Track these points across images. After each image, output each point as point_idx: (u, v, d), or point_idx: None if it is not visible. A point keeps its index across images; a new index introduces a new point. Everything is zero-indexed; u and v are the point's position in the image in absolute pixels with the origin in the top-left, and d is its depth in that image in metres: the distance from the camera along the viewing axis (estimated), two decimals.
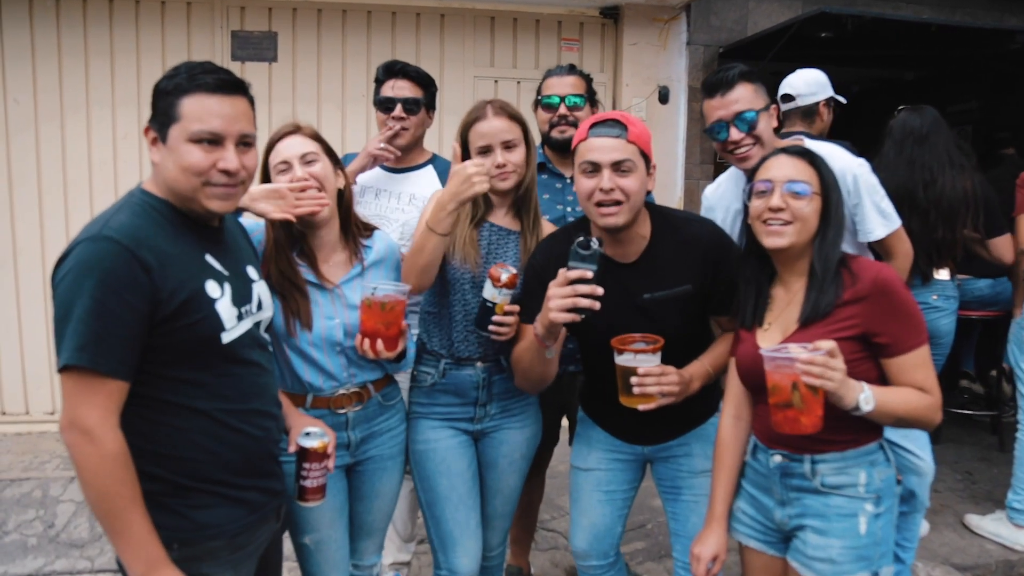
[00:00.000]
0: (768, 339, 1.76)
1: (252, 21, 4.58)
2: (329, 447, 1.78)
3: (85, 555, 3.22)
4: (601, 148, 1.85)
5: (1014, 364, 3.61)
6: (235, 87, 1.51)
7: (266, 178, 2.01)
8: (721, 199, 2.50)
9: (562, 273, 1.74)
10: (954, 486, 4.04)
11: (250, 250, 1.78)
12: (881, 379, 1.68)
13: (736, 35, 5.01)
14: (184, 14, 4.50)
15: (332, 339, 1.96)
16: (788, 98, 3.27)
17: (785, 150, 1.78)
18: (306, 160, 1.97)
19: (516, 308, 1.98)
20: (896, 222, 2.33)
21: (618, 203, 1.85)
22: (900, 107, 3.51)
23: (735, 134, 2.17)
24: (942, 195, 3.24)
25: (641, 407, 1.83)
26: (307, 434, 1.77)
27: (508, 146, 2.07)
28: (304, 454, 1.76)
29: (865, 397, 1.57)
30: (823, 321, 1.67)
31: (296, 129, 2.02)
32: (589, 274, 1.70)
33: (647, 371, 1.79)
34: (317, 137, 2.03)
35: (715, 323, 2.12)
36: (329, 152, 2.04)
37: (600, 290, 1.70)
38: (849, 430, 1.67)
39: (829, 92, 3.27)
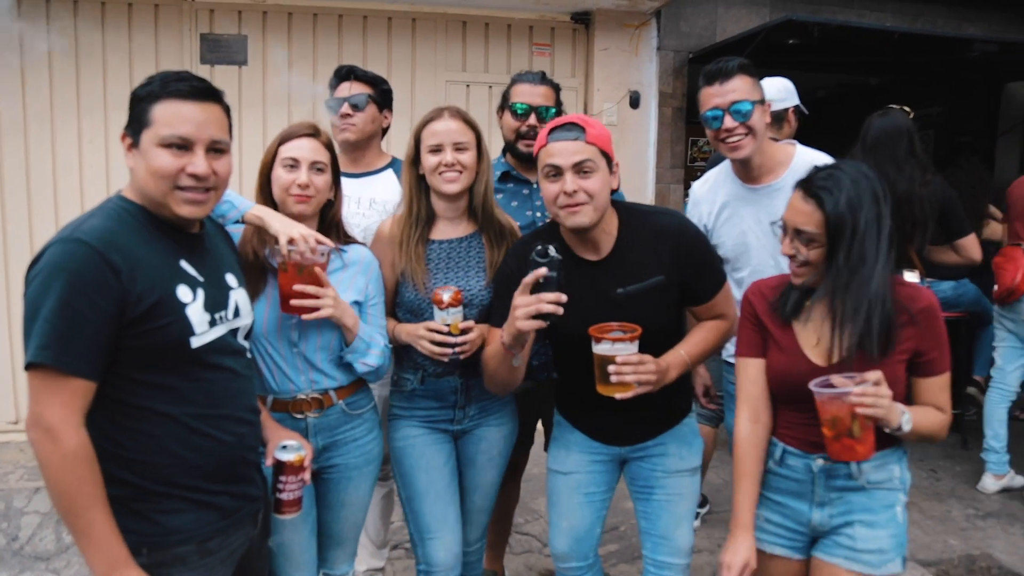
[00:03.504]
0: (821, 357, 1.79)
1: (221, 24, 4.54)
2: (306, 460, 1.79)
3: (51, 567, 3.16)
4: (561, 152, 1.87)
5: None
6: (208, 94, 1.53)
7: (268, 169, 2.04)
8: (708, 193, 2.53)
9: (523, 282, 1.76)
10: (920, 483, 4.12)
11: (232, 258, 1.78)
12: (907, 397, 1.79)
13: (705, 41, 5.07)
14: (151, 17, 4.44)
15: (288, 337, 1.97)
16: None
17: (802, 185, 1.77)
18: (315, 167, 2.01)
19: (471, 324, 2.04)
20: None
21: (582, 204, 1.87)
22: (890, 107, 3.56)
23: (729, 122, 2.23)
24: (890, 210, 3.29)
25: (618, 396, 1.83)
26: (284, 447, 1.78)
27: (459, 148, 2.10)
28: (280, 467, 1.77)
29: (906, 419, 1.69)
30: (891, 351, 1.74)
31: (315, 132, 2.05)
32: (549, 275, 1.73)
33: (625, 359, 1.80)
34: (330, 147, 2.07)
35: (692, 314, 2.13)
36: (334, 163, 2.09)
37: (564, 297, 1.71)
38: (884, 433, 1.74)
39: (796, 100, 3.34)
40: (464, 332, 2.02)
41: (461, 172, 2.10)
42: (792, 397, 1.83)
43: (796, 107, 3.37)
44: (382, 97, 2.71)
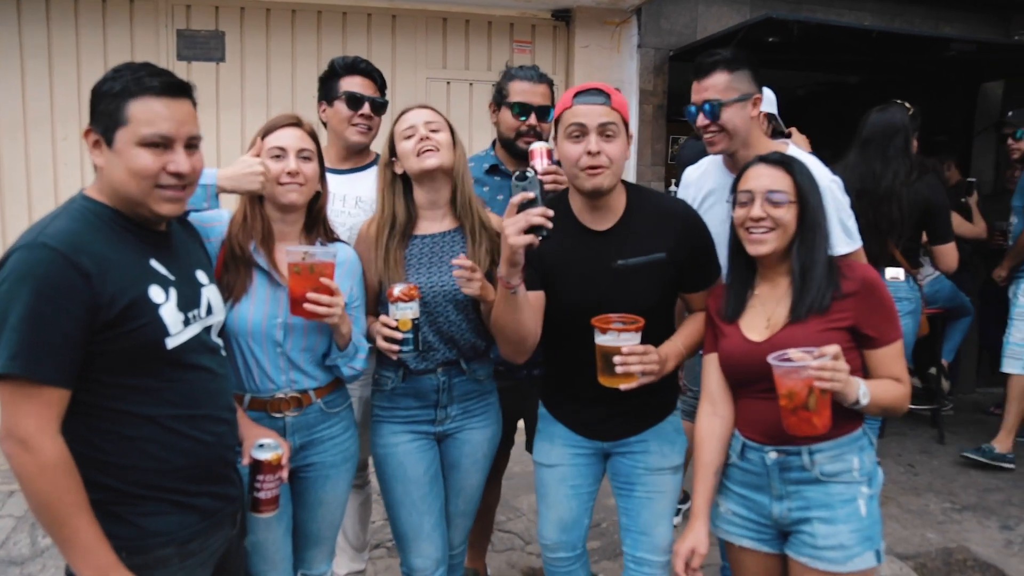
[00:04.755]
0: (758, 334, 1.84)
1: (198, 20, 4.48)
2: (283, 459, 1.78)
3: (25, 572, 3.11)
4: (588, 113, 1.92)
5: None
6: (181, 89, 1.51)
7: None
8: (699, 179, 2.55)
9: (510, 203, 1.79)
10: (897, 478, 4.17)
11: (201, 254, 1.76)
12: (863, 368, 1.82)
13: (686, 39, 5.08)
14: (127, 12, 4.37)
15: (272, 337, 1.94)
16: None
17: (764, 159, 1.88)
18: (302, 155, 1.99)
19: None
20: (858, 242, 2.40)
21: (604, 167, 1.91)
22: (891, 102, 3.55)
23: (701, 120, 2.26)
24: (869, 206, 3.27)
25: (623, 387, 1.84)
26: (260, 446, 1.77)
27: (432, 127, 2.12)
28: (257, 466, 1.76)
29: (863, 392, 1.70)
30: (822, 316, 1.78)
31: (298, 122, 2.04)
32: (532, 196, 1.75)
33: (631, 350, 1.82)
34: (314, 136, 2.06)
35: (686, 303, 2.16)
36: (319, 154, 2.06)
37: (550, 212, 1.75)
38: (840, 418, 1.74)
39: (774, 109, 3.31)
40: (416, 329, 1.98)
41: (437, 149, 2.10)
42: (738, 380, 1.89)
43: (771, 116, 3.33)
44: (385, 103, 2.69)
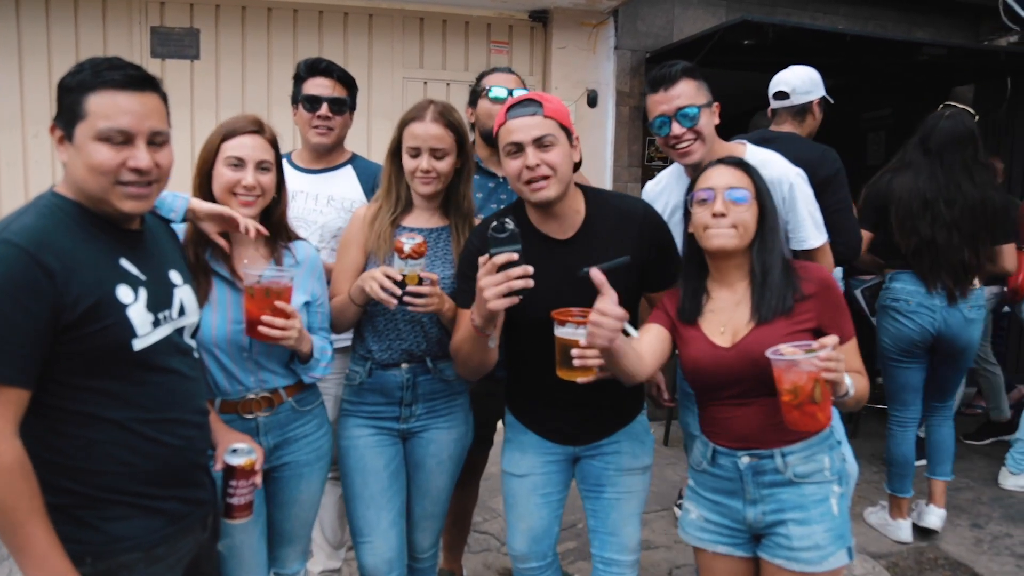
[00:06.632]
0: (721, 339, 1.84)
1: (172, 17, 4.43)
2: (256, 464, 1.76)
3: None
4: (521, 128, 1.89)
5: None
6: (144, 83, 1.46)
7: (209, 166, 1.95)
8: (661, 194, 2.54)
9: (486, 261, 1.74)
10: (871, 478, 4.21)
11: (176, 254, 1.73)
12: None
13: (663, 41, 5.11)
14: (99, 9, 4.31)
15: (237, 343, 1.92)
16: (782, 95, 3.17)
17: (722, 161, 1.89)
18: (261, 167, 1.94)
19: (435, 277, 1.98)
20: (826, 235, 2.39)
21: (546, 177, 1.89)
22: (944, 104, 3.46)
23: (676, 129, 2.22)
24: (962, 216, 3.18)
25: (580, 380, 1.81)
26: (233, 451, 1.74)
27: (436, 154, 2.10)
28: (231, 471, 1.73)
29: (850, 383, 1.71)
30: (787, 318, 1.79)
31: (259, 128, 1.97)
32: (515, 256, 1.71)
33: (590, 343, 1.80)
34: (274, 143, 2.01)
35: (649, 302, 2.15)
36: (278, 161, 2.01)
37: (531, 269, 1.71)
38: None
39: (822, 91, 3.19)
40: (420, 284, 1.96)
41: (438, 178, 2.11)
42: (706, 387, 1.88)
43: (821, 99, 3.20)
44: (353, 101, 2.68)
